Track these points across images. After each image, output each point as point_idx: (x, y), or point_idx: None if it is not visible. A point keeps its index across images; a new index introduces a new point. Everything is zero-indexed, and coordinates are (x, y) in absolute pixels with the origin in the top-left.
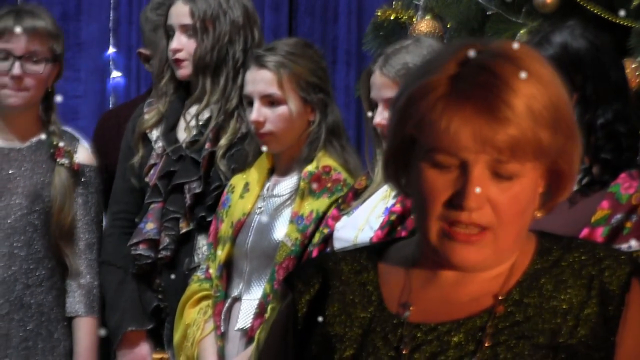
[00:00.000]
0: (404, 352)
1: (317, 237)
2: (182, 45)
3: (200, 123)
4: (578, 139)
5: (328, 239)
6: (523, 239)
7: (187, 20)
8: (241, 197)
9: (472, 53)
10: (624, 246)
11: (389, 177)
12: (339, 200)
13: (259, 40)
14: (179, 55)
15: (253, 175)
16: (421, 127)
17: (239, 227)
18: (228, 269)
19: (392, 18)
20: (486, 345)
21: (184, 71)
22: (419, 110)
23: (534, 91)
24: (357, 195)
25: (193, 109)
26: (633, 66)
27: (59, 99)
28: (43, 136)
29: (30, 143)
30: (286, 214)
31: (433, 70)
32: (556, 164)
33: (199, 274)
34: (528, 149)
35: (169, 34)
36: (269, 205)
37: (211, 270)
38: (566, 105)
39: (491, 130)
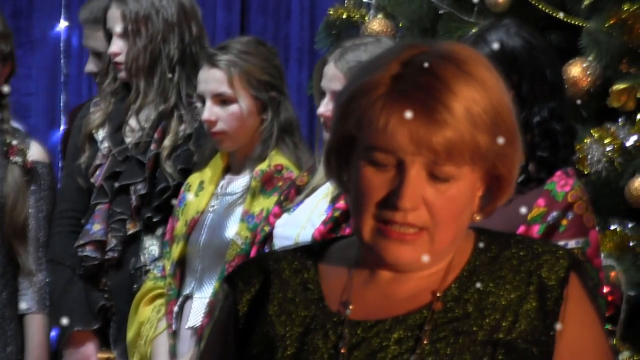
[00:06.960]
0: (342, 351)
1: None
2: (120, 48)
3: (146, 125)
4: (518, 143)
5: (268, 237)
6: (461, 239)
7: (120, 23)
8: (196, 195)
9: (416, 54)
10: (560, 244)
11: (331, 173)
12: (282, 198)
13: (198, 34)
14: (118, 59)
15: (208, 173)
16: (361, 125)
17: (193, 225)
18: (182, 268)
19: (344, 17)
20: (425, 342)
21: (124, 73)
22: (360, 108)
23: (475, 94)
24: (299, 191)
25: (132, 111)
26: (584, 65)
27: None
28: None
29: None
30: (238, 212)
31: (376, 69)
32: (495, 167)
33: (155, 271)
34: (465, 153)
35: (109, 37)
36: (222, 204)
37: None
38: (508, 110)
39: (428, 132)
